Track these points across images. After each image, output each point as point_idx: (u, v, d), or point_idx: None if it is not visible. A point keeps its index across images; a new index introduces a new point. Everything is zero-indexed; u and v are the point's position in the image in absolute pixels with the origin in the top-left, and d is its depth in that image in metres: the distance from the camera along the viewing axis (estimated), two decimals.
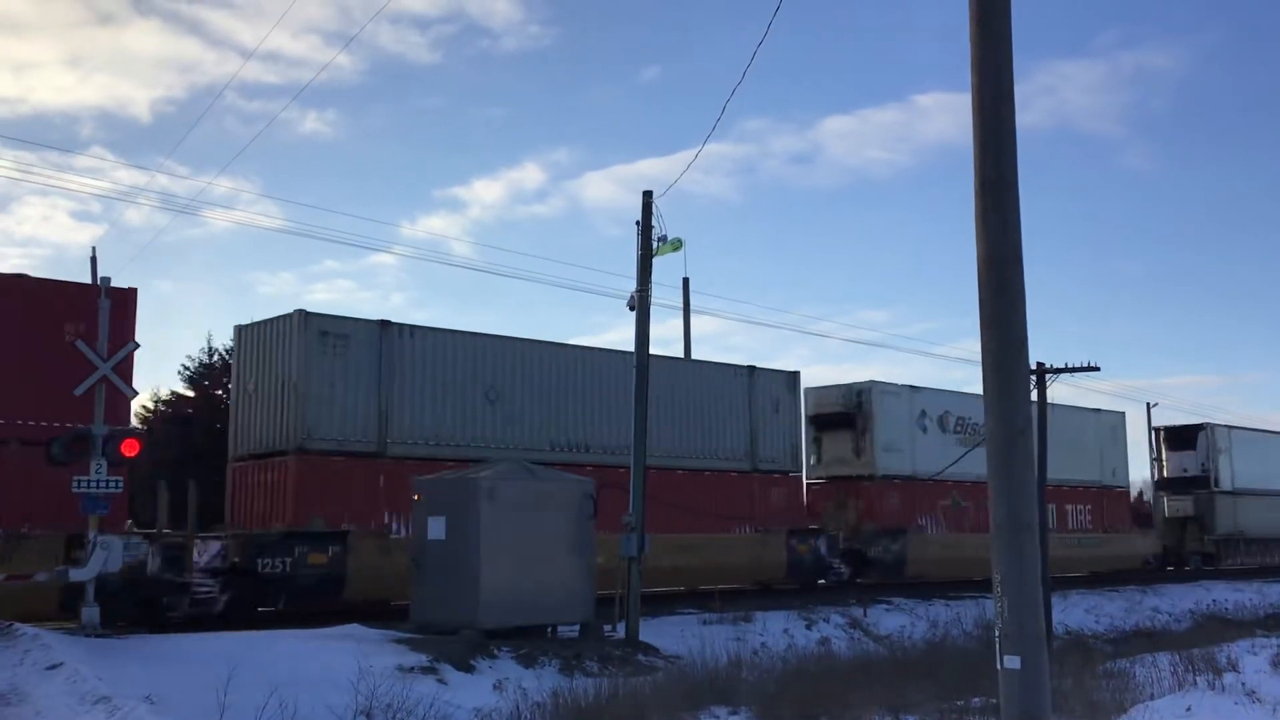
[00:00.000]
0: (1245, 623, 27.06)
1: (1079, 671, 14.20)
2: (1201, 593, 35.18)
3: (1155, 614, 31.40)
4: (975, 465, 31.72)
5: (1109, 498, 39.68)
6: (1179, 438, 45.29)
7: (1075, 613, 29.58)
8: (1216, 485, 42.89)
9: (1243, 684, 12.87)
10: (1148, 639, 23.71)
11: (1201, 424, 44.12)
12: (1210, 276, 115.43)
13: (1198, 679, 13.34)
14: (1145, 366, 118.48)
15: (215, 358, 42.14)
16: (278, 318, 21.68)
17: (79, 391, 16.35)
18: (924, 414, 32.56)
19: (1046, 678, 7.75)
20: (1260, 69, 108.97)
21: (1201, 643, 17.98)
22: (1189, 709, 11.37)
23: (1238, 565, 42.98)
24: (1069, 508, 37.21)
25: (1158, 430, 46.33)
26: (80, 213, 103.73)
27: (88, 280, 23.68)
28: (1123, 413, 41.82)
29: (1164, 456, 45.62)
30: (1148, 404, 49.87)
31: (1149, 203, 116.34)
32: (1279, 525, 45.84)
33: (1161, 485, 45.32)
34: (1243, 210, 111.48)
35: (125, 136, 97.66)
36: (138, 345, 16.89)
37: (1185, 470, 44.15)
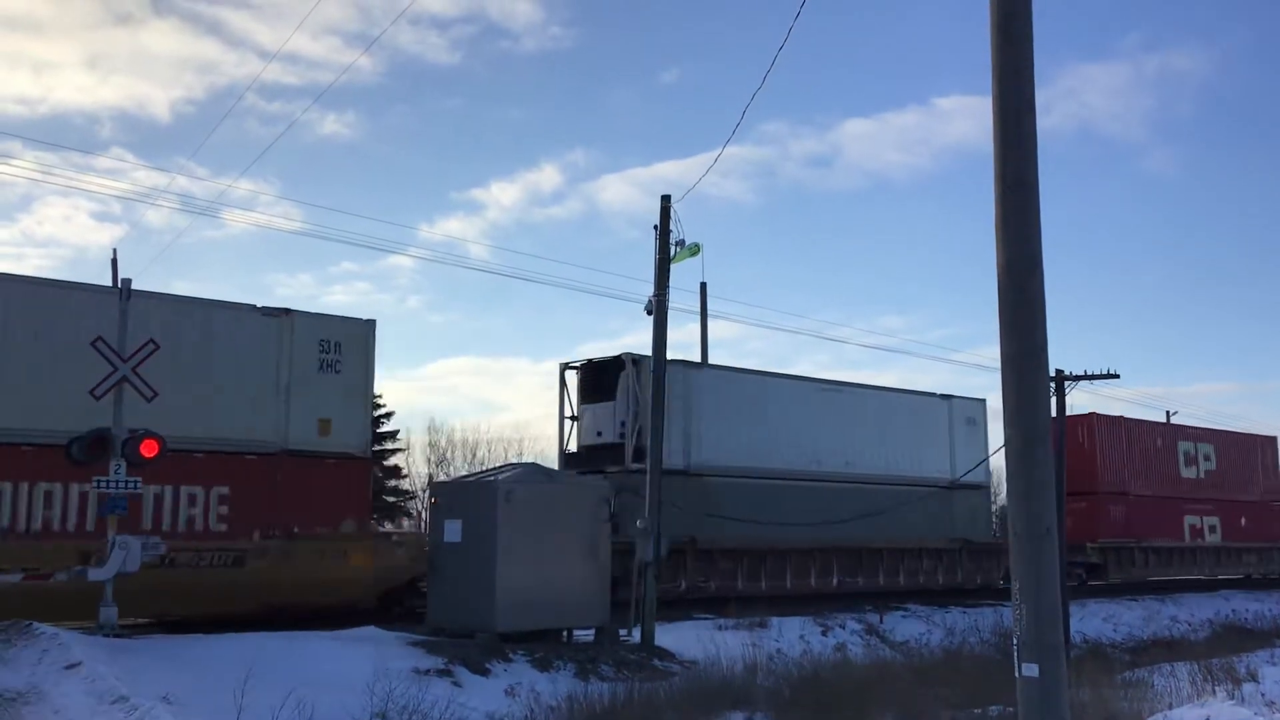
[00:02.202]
0: (1265, 633, 26.93)
1: (1097, 680, 14.12)
2: (1221, 602, 34.99)
3: (1174, 623, 31.23)
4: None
5: (285, 472, 19.77)
6: (598, 380, 26.35)
7: (1093, 621, 29.43)
8: (640, 460, 23.61)
9: (1262, 694, 12.80)
10: (1166, 648, 23.60)
11: (621, 355, 25.93)
12: (1232, 283, 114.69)
13: (1216, 689, 13.27)
14: (1165, 374, 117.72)
15: None
16: None
17: (99, 393, 16.45)
18: None
19: (1065, 686, 7.71)
20: None
21: (1220, 652, 17.90)
22: (1208, 719, 11.29)
23: (677, 592, 24.01)
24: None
25: (573, 368, 26.94)
26: (101, 213, 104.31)
27: (108, 282, 23.82)
28: (374, 322, 21.79)
29: (578, 411, 26.64)
30: (1167, 412, 49.51)
31: (1171, 208, 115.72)
32: (769, 530, 25.29)
33: (572, 459, 26.28)
34: (1266, 216, 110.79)
35: (145, 137, 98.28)
36: (157, 346, 16.95)
37: (600, 435, 25.77)
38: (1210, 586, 38.85)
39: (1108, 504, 36.24)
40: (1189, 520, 39.30)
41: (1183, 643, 26.09)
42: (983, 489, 33.22)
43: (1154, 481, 38.15)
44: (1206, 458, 41.11)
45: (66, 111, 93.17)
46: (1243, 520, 40.87)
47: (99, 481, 15.84)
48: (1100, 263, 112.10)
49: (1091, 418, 36.74)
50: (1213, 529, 40.28)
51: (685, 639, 19.86)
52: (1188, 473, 40.26)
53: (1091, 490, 35.82)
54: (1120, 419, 38.15)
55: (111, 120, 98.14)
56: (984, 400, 33.02)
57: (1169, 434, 40.59)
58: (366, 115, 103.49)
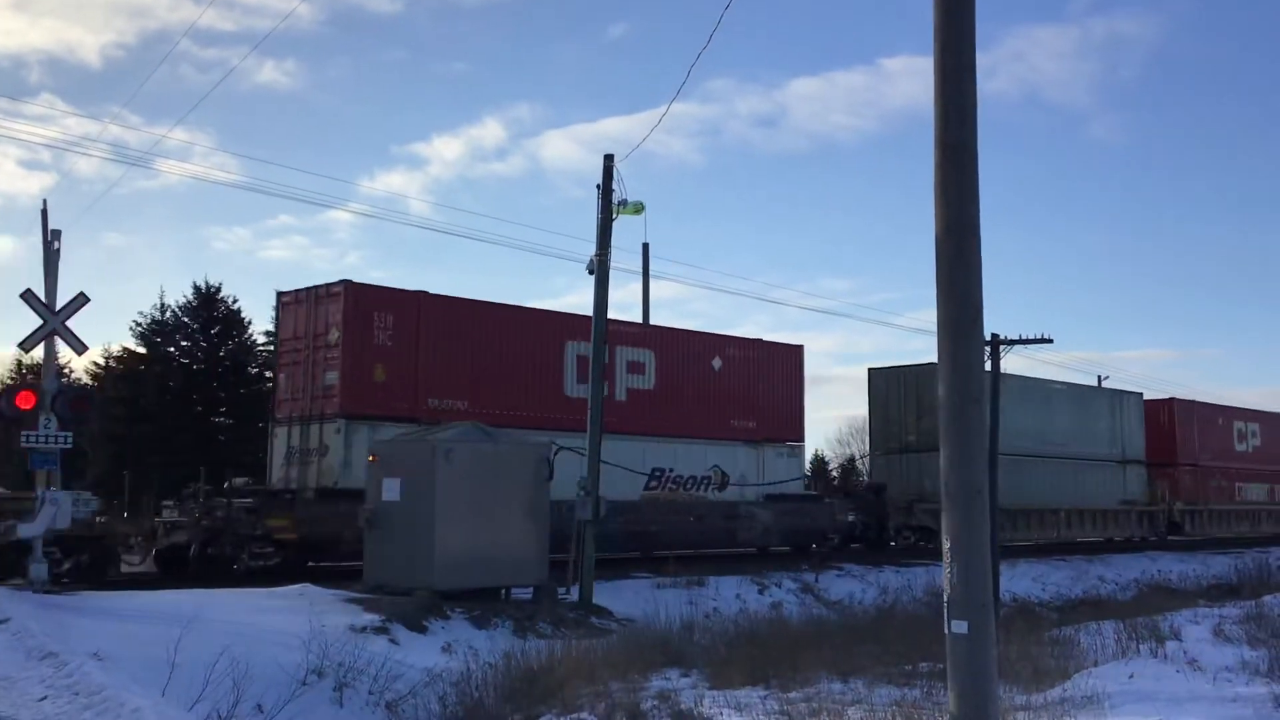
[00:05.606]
0: (1189, 593, 27.53)
1: (1025, 638, 14.36)
2: (1147, 562, 35.81)
3: (1101, 583, 31.94)
4: None
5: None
6: None
7: (1022, 581, 30.02)
8: None
9: (1184, 652, 13.06)
10: (1094, 607, 24.05)
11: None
12: (1171, 251, 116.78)
13: (1141, 647, 13.52)
14: (1101, 339, 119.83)
15: (169, 314, 41.70)
16: None
17: (27, 346, 16.13)
18: None
19: (993, 643, 7.84)
20: (1231, 40, 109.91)
21: (1146, 612, 18.26)
22: (1131, 676, 11.53)
23: None
24: None
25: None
26: (30, 161, 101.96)
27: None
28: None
29: None
30: (1099, 376, 50.37)
31: (1113, 174, 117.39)
32: None
33: None
34: (1206, 186, 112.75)
35: (75, 83, 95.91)
36: (87, 299, 16.61)
37: None
38: None
39: None
40: None
41: (1109, 602, 26.62)
42: None
43: None
44: None
45: None
46: None
47: (27, 436, 15.55)
48: (1040, 228, 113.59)
49: None
50: None
51: (624, 597, 20.00)
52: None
53: None
54: None
55: (40, 65, 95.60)
56: None
57: None
58: (306, 64, 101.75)
